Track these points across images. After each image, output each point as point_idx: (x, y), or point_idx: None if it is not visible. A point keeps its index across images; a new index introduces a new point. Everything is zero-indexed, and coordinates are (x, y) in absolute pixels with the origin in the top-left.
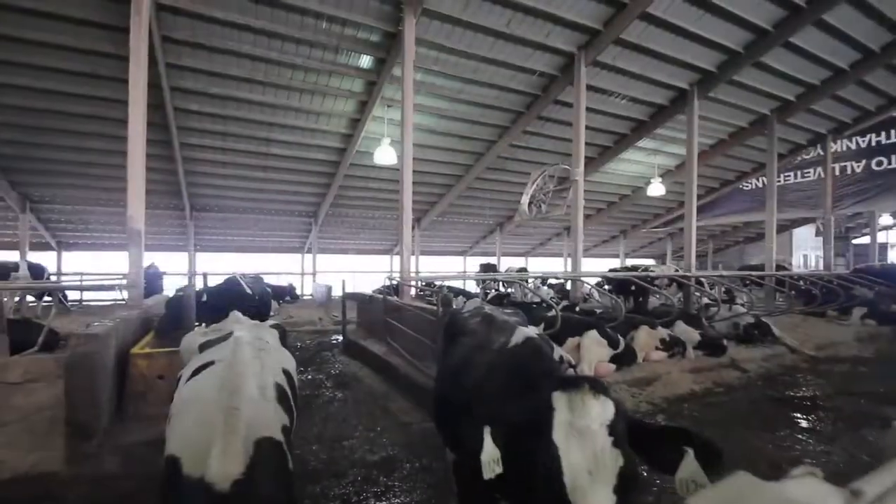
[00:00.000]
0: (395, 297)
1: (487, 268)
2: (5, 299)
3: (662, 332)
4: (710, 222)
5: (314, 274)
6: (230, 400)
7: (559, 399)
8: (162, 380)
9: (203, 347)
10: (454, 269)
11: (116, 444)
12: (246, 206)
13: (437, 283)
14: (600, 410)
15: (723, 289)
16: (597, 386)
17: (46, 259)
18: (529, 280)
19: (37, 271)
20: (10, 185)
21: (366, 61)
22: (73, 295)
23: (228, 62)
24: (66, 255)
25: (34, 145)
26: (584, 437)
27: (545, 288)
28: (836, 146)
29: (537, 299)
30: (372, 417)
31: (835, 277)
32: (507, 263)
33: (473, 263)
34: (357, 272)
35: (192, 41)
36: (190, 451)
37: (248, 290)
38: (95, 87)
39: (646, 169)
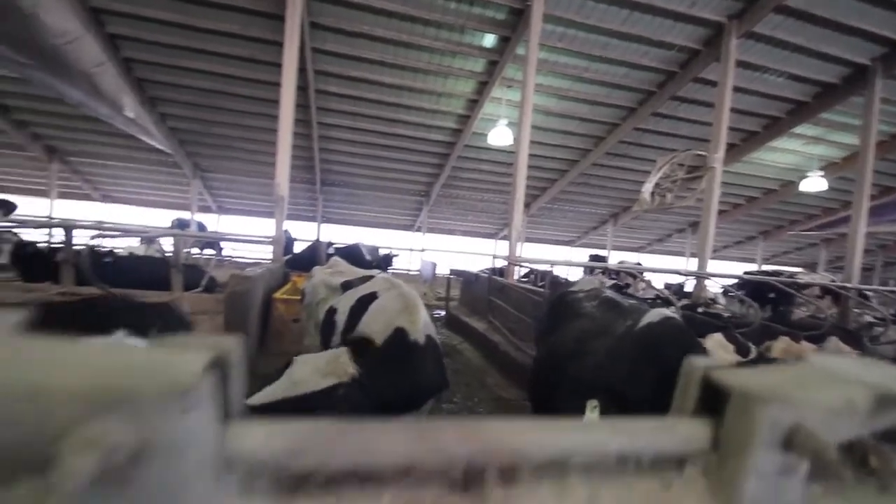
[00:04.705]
0: (501, 278)
1: (596, 260)
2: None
3: (808, 347)
4: (883, 229)
5: (422, 251)
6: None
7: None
8: (297, 322)
9: (346, 286)
10: (559, 258)
11: (256, 373)
12: (368, 184)
13: (544, 267)
14: None
15: (892, 310)
16: None
17: (207, 220)
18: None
19: (202, 228)
20: (186, 154)
21: (489, 40)
22: (226, 252)
23: (364, 45)
24: (222, 218)
25: (204, 122)
26: None
27: (661, 286)
28: None
29: (652, 295)
30: (469, 388)
31: None
32: (617, 258)
33: (580, 255)
34: (461, 253)
35: (335, 26)
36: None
37: (368, 257)
38: (254, 70)
39: (802, 160)
